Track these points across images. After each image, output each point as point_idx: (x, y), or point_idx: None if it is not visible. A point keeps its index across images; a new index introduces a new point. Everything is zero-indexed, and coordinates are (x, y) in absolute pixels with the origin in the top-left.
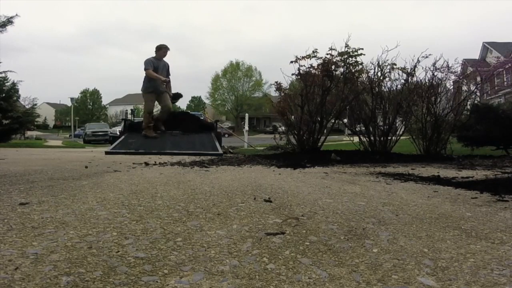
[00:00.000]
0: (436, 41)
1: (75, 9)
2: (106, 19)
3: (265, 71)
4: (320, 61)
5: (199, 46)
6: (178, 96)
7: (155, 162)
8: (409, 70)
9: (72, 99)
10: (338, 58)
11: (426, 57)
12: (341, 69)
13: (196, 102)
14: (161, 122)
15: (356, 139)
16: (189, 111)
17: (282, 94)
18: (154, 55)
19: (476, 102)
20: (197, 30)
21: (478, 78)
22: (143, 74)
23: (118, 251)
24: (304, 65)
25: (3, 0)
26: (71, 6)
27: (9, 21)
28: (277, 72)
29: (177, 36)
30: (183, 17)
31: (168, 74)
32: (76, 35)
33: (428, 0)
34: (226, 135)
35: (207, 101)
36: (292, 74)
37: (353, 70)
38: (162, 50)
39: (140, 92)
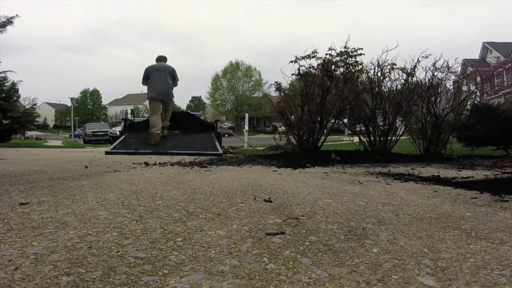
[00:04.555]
0: (438, 41)
1: (80, 8)
2: (110, 18)
3: (268, 71)
4: (320, 61)
5: (203, 46)
6: None
7: (155, 162)
8: (409, 70)
9: (72, 99)
10: (337, 58)
11: (426, 57)
12: (341, 69)
13: (196, 102)
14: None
15: (356, 139)
16: (189, 111)
17: (282, 94)
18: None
19: (476, 102)
20: (201, 29)
21: (478, 78)
22: (142, 74)
23: (118, 251)
24: (304, 65)
25: (4, 0)
26: (76, 4)
27: (9, 21)
28: (280, 72)
29: (181, 36)
30: (187, 16)
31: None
32: (79, 34)
33: (431, 1)
34: (226, 135)
35: (207, 101)
36: (292, 74)
37: (353, 70)
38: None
39: (140, 92)
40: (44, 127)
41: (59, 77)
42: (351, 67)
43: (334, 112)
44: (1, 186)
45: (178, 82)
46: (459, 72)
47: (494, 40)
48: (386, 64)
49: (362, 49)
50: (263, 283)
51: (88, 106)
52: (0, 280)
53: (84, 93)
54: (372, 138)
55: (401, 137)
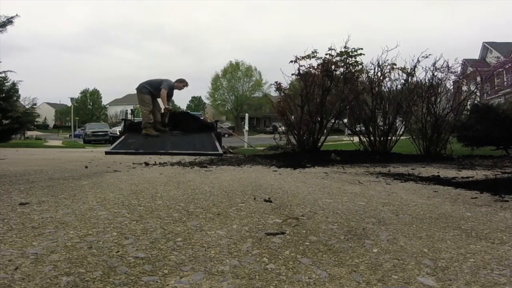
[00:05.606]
0: (438, 41)
1: (80, 8)
2: (110, 18)
3: (268, 71)
4: (320, 61)
5: (203, 46)
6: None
7: (155, 162)
8: (409, 70)
9: (72, 99)
10: (337, 58)
11: (426, 57)
12: (341, 69)
13: (196, 102)
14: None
15: (356, 139)
16: (189, 111)
17: (282, 94)
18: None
19: (476, 102)
20: (201, 29)
21: (478, 78)
22: (145, 74)
23: (118, 251)
24: (304, 65)
25: (4, 0)
26: (76, 4)
27: (9, 21)
28: (280, 72)
29: (181, 36)
30: (187, 16)
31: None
32: (79, 34)
33: (431, 1)
34: (226, 135)
35: (207, 101)
36: (292, 74)
37: (353, 70)
38: (183, 83)
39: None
40: (44, 127)
41: (59, 77)
42: (351, 67)
43: (334, 112)
44: (1, 186)
45: (162, 87)
46: (459, 72)
47: (494, 40)
48: (386, 64)
49: (362, 49)
50: (263, 283)
51: (88, 106)
52: (0, 280)
53: (84, 93)
54: (372, 138)
55: (401, 137)
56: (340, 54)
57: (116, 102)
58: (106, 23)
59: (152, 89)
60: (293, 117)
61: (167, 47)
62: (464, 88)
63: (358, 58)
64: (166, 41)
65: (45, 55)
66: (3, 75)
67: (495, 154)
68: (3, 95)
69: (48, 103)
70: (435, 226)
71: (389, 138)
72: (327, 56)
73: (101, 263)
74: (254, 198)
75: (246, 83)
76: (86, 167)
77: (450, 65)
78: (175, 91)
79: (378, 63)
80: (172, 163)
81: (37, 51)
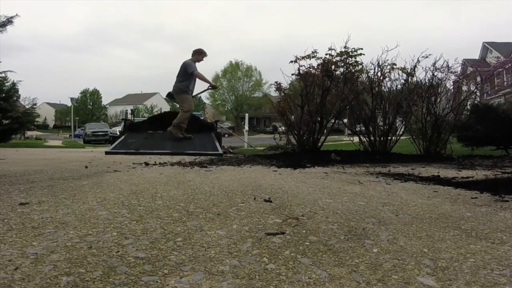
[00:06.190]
0: (438, 41)
1: (80, 8)
2: (110, 18)
3: (268, 71)
4: (320, 61)
5: (203, 46)
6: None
7: (155, 162)
8: (409, 70)
9: (72, 99)
10: (337, 58)
11: (426, 57)
12: (341, 69)
13: (196, 102)
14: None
15: (356, 139)
16: None
17: (282, 94)
18: (190, 57)
19: (476, 102)
20: (201, 29)
21: (478, 78)
22: (145, 74)
23: (118, 251)
24: (304, 65)
25: (4, 0)
26: (76, 4)
27: (8, 21)
28: (280, 72)
29: (181, 36)
30: (187, 16)
31: None
32: (79, 34)
33: (431, 1)
34: (226, 135)
35: (207, 101)
36: (292, 74)
37: (353, 70)
38: (202, 55)
39: (140, 92)
40: (44, 127)
41: (59, 77)
42: (351, 67)
43: (334, 112)
44: (1, 186)
45: (191, 71)
46: (459, 72)
47: (494, 40)
48: (386, 64)
49: (362, 49)
50: (263, 283)
51: (88, 106)
52: (0, 280)
53: (84, 93)
54: (372, 138)
55: (401, 137)
56: (340, 54)
57: (116, 102)
58: (106, 23)
59: (187, 88)
60: (293, 117)
61: (167, 47)
62: (464, 88)
63: (358, 58)
64: (166, 41)
65: (45, 55)
66: (3, 75)
67: (495, 154)
68: (3, 95)
69: (48, 103)
70: (435, 226)
71: (389, 138)
72: (327, 56)
73: (101, 263)
74: (254, 198)
75: (246, 83)
76: (86, 167)
77: (450, 65)
78: (197, 64)
79: (378, 63)
80: (172, 163)
81: (37, 51)
